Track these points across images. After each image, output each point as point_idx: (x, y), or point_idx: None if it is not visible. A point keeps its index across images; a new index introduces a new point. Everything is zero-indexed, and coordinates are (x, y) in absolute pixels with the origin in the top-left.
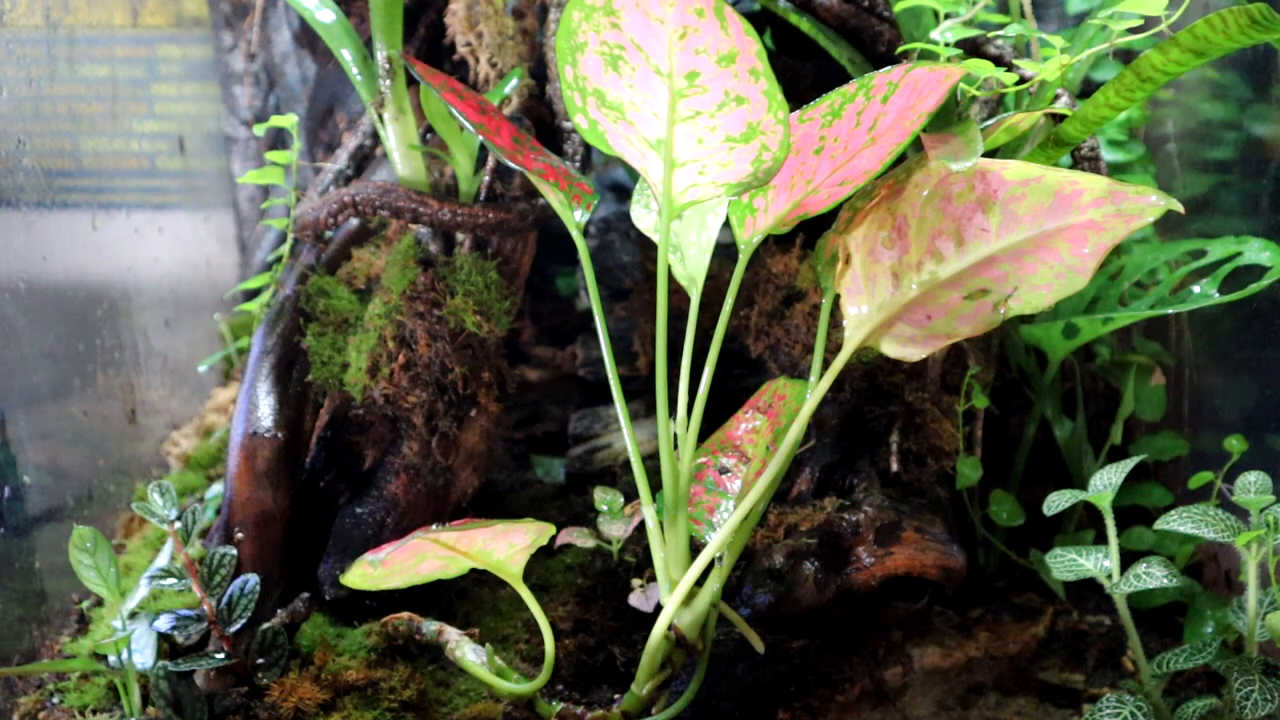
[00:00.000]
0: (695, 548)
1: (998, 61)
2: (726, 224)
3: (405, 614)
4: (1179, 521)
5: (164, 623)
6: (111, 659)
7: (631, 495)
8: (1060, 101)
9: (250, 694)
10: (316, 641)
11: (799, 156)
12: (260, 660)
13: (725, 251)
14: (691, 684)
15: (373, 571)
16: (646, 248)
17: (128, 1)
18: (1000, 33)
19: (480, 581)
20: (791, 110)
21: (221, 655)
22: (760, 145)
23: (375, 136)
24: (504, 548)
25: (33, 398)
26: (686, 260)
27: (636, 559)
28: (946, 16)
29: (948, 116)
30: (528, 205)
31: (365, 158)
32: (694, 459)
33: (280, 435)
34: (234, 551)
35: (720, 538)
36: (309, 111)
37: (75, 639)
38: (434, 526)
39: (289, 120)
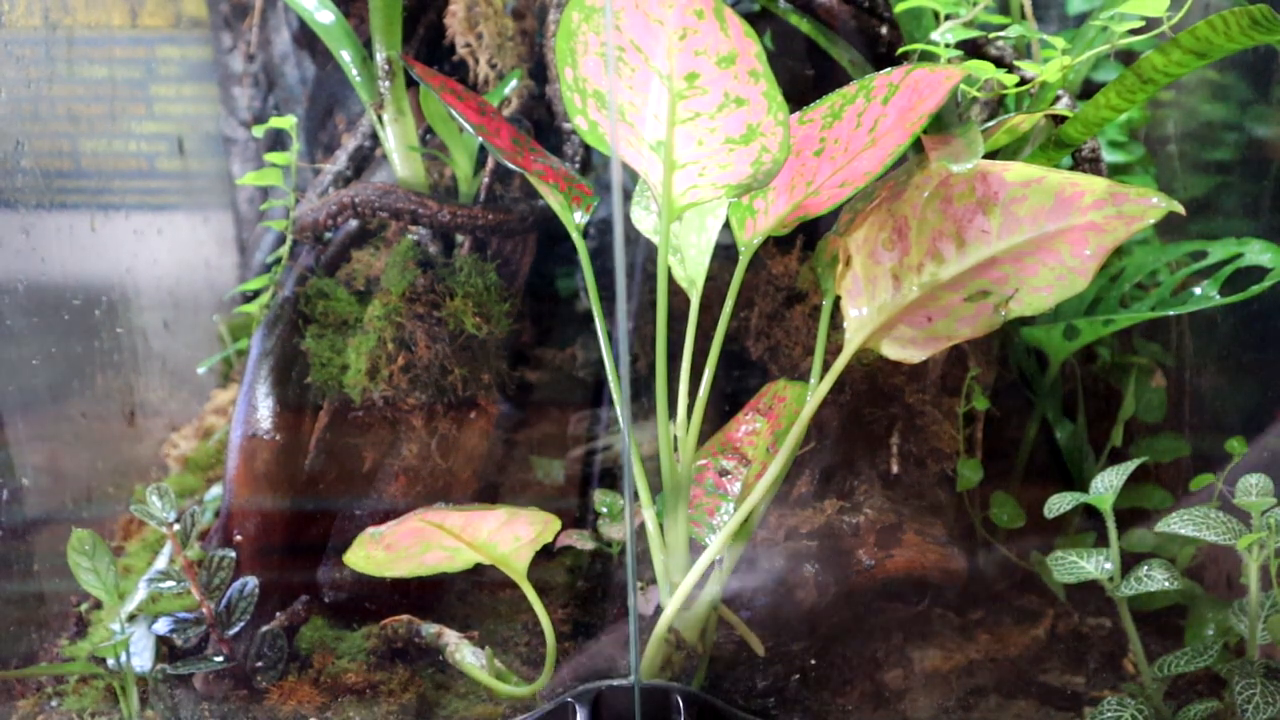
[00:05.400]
0: (695, 549)
1: (998, 63)
2: (726, 225)
3: (404, 616)
4: (1180, 524)
5: (162, 625)
6: (110, 662)
7: None
8: (1061, 103)
9: (249, 697)
10: (315, 644)
11: (799, 158)
12: (259, 663)
13: (725, 253)
14: (692, 685)
15: (375, 553)
16: (646, 249)
17: (126, 2)
18: (1001, 34)
19: (479, 584)
20: (791, 112)
21: (220, 658)
22: (760, 147)
23: (374, 138)
24: (509, 540)
25: (31, 399)
26: (686, 262)
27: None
28: (947, 17)
29: (948, 118)
30: (527, 206)
31: (364, 159)
32: (694, 461)
33: (279, 437)
34: (233, 554)
35: (720, 540)
36: (308, 113)
37: (73, 642)
38: (438, 504)
39: (288, 121)
